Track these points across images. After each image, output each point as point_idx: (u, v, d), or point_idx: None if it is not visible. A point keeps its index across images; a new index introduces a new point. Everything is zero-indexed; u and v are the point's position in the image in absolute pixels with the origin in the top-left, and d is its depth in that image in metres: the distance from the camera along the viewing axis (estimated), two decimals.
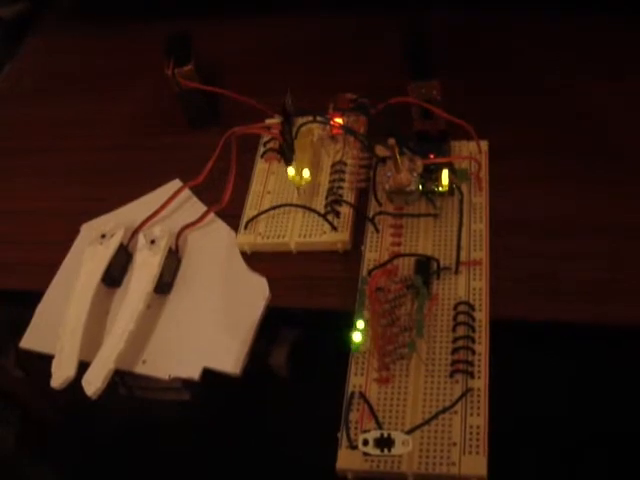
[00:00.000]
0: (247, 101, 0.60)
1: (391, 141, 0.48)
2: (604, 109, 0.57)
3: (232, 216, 0.56)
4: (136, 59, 0.72)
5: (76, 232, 0.59)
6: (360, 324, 0.47)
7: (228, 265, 0.54)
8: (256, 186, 0.57)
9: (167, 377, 0.49)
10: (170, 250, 0.53)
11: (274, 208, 0.54)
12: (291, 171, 0.53)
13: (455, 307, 0.47)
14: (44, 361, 0.50)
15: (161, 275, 0.52)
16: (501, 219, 0.51)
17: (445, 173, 0.51)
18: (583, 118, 0.56)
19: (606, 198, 0.52)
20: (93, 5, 0.80)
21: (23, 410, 0.53)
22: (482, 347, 0.45)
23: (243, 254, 0.54)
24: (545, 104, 0.58)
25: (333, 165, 0.56)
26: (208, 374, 0.49)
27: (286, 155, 0.56)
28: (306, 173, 0.53)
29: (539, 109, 0.58)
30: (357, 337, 0.46)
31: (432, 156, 0.52)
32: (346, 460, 0.43)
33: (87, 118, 0.69)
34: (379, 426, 0.43)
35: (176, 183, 0.59)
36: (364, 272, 0.50)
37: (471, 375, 0.44)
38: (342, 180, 0.55)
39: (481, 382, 0.44)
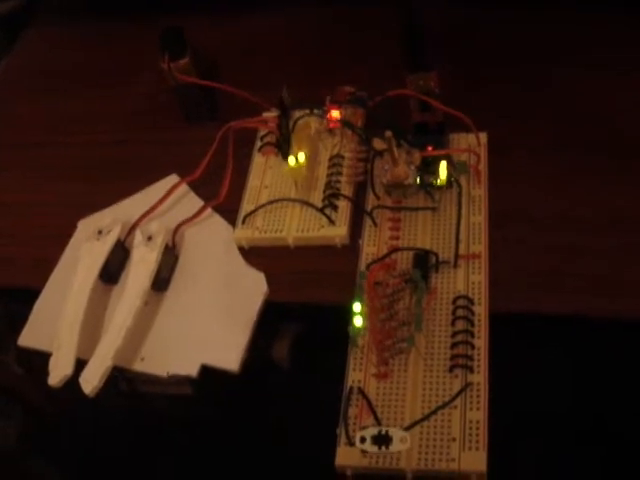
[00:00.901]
0: (244, 95, 0.59)
1: (388, 134, 0.47)
2: (606, 102, 0.56)
3: (229, 211, 0.55)
4: (132, 54, 0.72)
5: (73, 228, 0.58)
6: (357, 307, 0.46)
7: (226, 260, 0.54)
8: (253, 180, 0.56)
9: (165, 374, 0.49)
10: (167, 246, 0.53)
11: (271, 202, 0.54)
12: (292, 160, 0.53)
13: (454, 301, 0.47)
14: (43, 358, 0.50)
15: (158, 271, 0.52)
16: (500, 212, 0.51)
17: (443, 166, 0.50)
18: (584, 111, 0.56)
19: (606, 191, 0.51)
20: (87, 1, 0.79)
21: (24, 406, 0.53)
22: (481, 341, 0.45)
23: (241, 249, 0.54)
24: (546, 96, 0.58)
25: (331, 159, 0.55)
26: (209, 369, 0.49)
27: (283, 149, 0.55)
28: (301, 157, 0.53)
29: (539, 101, 0.58)
30: (358, 322, 0.46)
31: (430, 148, 0.52)
32: (345, 456, 0.42)
33: (83, 113, 0.68)
34: (378, 422, 0.43)
35: (173, 178, 0.59)
36: (362, 266, 0.50)
37: (470, 370, 0.44)
38: (340, 174, 0.54)
39: (480, 376, 0.44)
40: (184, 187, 0.58)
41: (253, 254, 0.54)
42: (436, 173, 0.51)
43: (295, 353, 0.50)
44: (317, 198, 0.54)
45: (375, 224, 0.52)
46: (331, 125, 0.56)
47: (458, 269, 0.48)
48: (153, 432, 0.49)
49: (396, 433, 0.40)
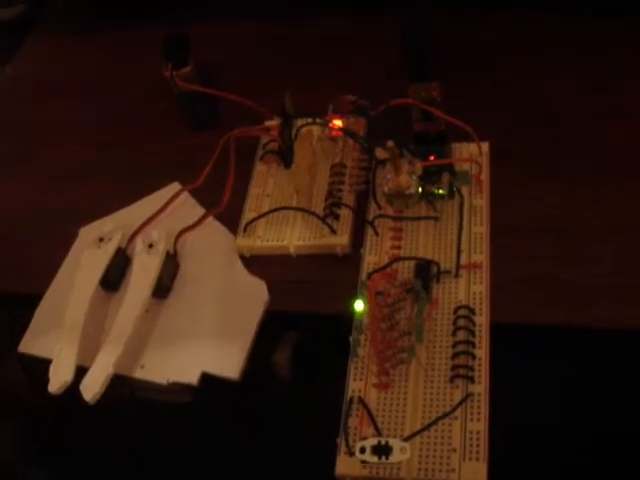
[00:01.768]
0: (246, 103, 0.59)
1: (390, 144, 0.47)
2: (609, 113, 0.56)
3: (231, 219, 0.55)
4: (135, 61, 0.72)
5: (75, 235, 0.58)
6: (359, 305, 0.47)
7: (227, 269, 0.54)
8: (255, 189, 0.56)
9: (166, 382, 0.49)
10: (168, 254, 0.53)
11: (273, 211, 0.54)
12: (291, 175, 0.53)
13: (455, 311, 0.47)
14: (44, 365, 0.50)
15: (159, 279, 0.52)
16: (502, 222, 0.51)
17: (445, 176, 0.50)
18: (587, 121, 0.56)
19: (609, 201, 0.51)
20: (92, 7, 0.80)
21: (24, 413, 0.53)
22: (482, 352, 0.45)
23: (242, 257, 0.54)
24: (548, 106, 0.58)
25: (332, 167, 0.55)
26: (209, 377, 0.49)
27: (285, 157, 0.55)
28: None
29: (542, 111, 0.58)
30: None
31: (432, 158, 0.52)
32: (345, 466, 0.42)
33: (85, 120, 0.68)
34: (378, 432, 0.43)
35: (175, 186, 0.59)
36: (363, 276, 0.50)
37: (471, 380, 0.44)
38: (342, 183, 0.54)
39: (481, 387, 0.44)
40: (186, 195, 0.58)
41: (254, 262, 0.53)
42: (438, 183, 0.51)
43: (296, 362, 0.50)
44: (319, 207, 0.54)
45: (377, 233, 0.52)
46: (333, 134, 0.56)
47: (459, 279, 0.48)
48: (153, 439, 0.49)
49: (396, 443, 0.40)
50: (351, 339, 0.46)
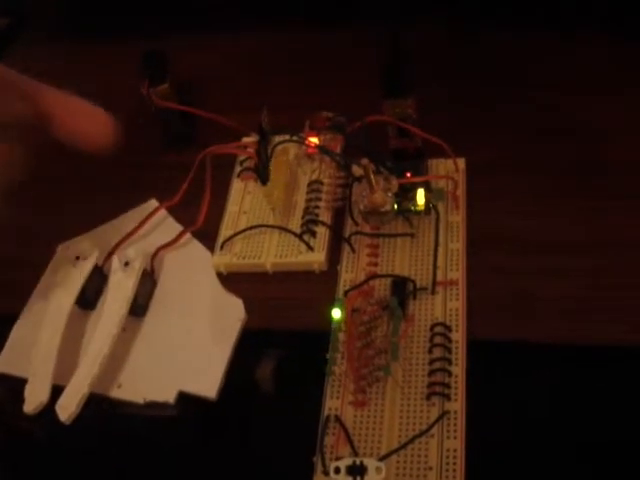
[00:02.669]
0: (223, 120, 0.59)
1: (364, 161, 0.47)
2: (586, 125, 0.56)
3: (208, 236, 0.55)
4: (114, 76, 0.71)
5: (52, 252, 0.58)
6: (336, 313, 0.47)
7: (204, 286, 0.53)
8: (232, 206, 0.56)
9: (142, 401, 0.49)
10: (145, 272, 0.53)
11: (250, 229, 0.54)
12: (266, 192, 0.53)
13: (432, 328, 0.47)
14: (23, 384, 0.49)
15: (136, 297, 0.52)
16: (478, 238, 0.51)
17: (421, 192, 0.51)
18: (562, 134, 0.56)
19: (585, 215, 0.51)
20: (72, 23, 0.79)
21: (7, 428, 0.52)
22: (459, 368, 0.45)
23: (219, 275, 0.54)
24: (524, 120, 0.58)
25: (310, 184, 0.55)
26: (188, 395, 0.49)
27: (261, 174, 0.55)
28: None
29: (518, 125, 0.58)
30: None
31: (409, 174, 0.52)
32: None
33: None
34: (354, 451, 0.43)
35: (152, 203, 0.59)
36: (340, 293, 0.50)
37: (448, 397, 0.44)
38: (318, 199, 0.54)
39: (458, 404, 0.44)
40: (163, 212, 0.58)
41: (231, 280, 0.53)
42: (414, 199, 0.51)
43: (278, 378, 0.50)
44: (296, 224, 0.54)
45: (353, 250, 0.52)
46: (309, 151, 0.56)
47: (436, 296, 0.48)
48: (137, 454, 0.49)
49: (371, 463, 0.40)
50: (328, 357, 0.46)
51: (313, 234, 0.53)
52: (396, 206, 0.50)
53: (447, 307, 0.48)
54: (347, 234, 0.52)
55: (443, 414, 0.43)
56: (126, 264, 0.53)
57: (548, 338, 0.47)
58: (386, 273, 0.50)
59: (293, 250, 0.52)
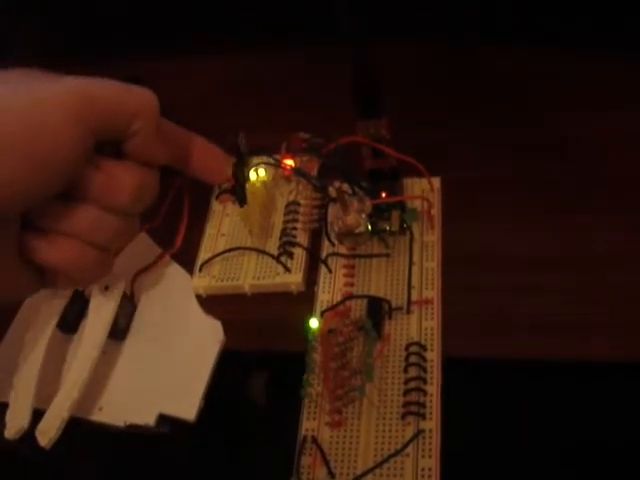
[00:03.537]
0: None
1: (336, 185, 0.48)
2: (562, 142, 0.57)
3: (188, 259, 0.56)
4: None
5: None
6: (314, 322, 0.48)
7: (183, 309, 0.54)
8: (211, 228, 0.57)
9: (123, 424, 0.49)
10: (125, 295, 0.53)
11: (228, 251, 0.54)
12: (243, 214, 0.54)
13: (407, 348, 0.47)
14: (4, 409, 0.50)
15: (116, 320, 0.52)
16: (453, 256, 0.52)
17: (395, 214, 0.51)
18: (537, 152, 0.57)
19: (560, 232, 0.52)
20: (58, 45, 0.80)
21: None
22: (434, 387, 0.45)
23: (198, 297, 0.54)
24: (498, 138, 0.58)
25: (287, 206, 0.56)
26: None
27: (239, 197, 0.56)
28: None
29: (492, 143, 0.58)
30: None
31: (384, 194, 0.52)
32: None
33: None
34: (330, 472, 0.43)
35: None
36: (317, 314, 0.50)
37: (422, 416, 0.44)
38: (296, 221, 0.55)
39: (432, 423, 0.44)
40: (143, 235, 0.58)
41: (210, 302, 0.54)
42: (389, 220, 0.52)
43: (271, 391, 0.51)
44: (273, 245, 0.54)
45: (330, 271, 0.52)
46: (286, 173, 0.56)
47: (411, 315, 0.49)
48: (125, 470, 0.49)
49: None
50: (303, 378, 0.47)
51: (290, 255, 0.53)
52: (370, 227, 0.51)
53: (422, 326, 0.48)
54: (324, 255, 0.53)
55: (418, 433, 0.44)
56: (106, 288, 0.53)
57: (523, 355, 0.47)
58: (362, 293, 0.50)
59: (271, 272, 0.53)
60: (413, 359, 0.47)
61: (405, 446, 0.43)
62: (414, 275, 0.50)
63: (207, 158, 0.50)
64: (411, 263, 0.51)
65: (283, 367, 0.51)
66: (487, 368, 0.47)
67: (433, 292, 0.50)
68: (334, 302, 0.50)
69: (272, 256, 0.53)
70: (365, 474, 0.43)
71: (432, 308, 0.49)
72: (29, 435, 0.48)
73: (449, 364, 0.47)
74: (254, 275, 0.53)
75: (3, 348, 0.55)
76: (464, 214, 0.54)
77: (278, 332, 0.51)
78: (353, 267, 0.52)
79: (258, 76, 0.69)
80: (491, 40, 0.64)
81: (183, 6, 0.74)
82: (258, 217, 0.54)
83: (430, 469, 0.43)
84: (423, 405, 0.45)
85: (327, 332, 0.47)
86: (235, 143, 0.57)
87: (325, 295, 0.51)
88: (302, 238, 0.54)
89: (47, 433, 0.48)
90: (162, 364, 0.52)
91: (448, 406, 0.45)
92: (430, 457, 0.43)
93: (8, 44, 0.82)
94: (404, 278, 0.51)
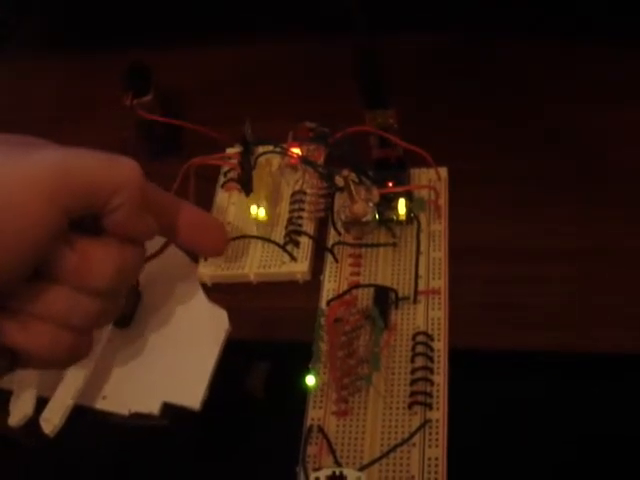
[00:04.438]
0: (207, 132, 0.59)
1: (344, 173, 0.48)
2: (569, 134, 0.57)
3: None
4: (97, 89, 0.72)
5: None
6: (310, 380, 0.47)
7: (188, 297, 0.53)
8: (216, 216, 0.56)
9: (127, 412, 0.49)
10: None
11: (234, 239, 0.54)
12: (253, 210, 0.53)
13: (414, 337, 0.47)
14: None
15: None
16: (460, 246, 0.51)
17: (402, 202, 0.51)
18: (545, 143, 0.57)
19: (567, 223, 0.52)
20: (56, 37, 0.80)
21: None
22: (441, 378, 0.45)
23: (203, 286, 0.54)
24: (507, 129, 0.58)
25: (293, 195, 0.56)
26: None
27: (245, 185, 0.55)
28: (262, 213, 0.53)
29: (500, 134, 0.58)
30: (310, 381, 0.46)
31: (391, 184, 0.52)
32: None
33: None
34: (336, 461, 0.43)
35: None
36: (323, 303, 0.50)
37: (429, 406, 0.44)
38: (302, 210, 0.55)
39: (439, 413, 0.44)
40: None
41: (216, 290, 0.54)
42: (396, 209, 0.51)
43: (268, 386, 0.50)
44: (279, 234, 0.54)
45: (336, 260, 0.52)
46: (292, 162, 0.56)
47: (418, 305, 0.49)
48: (128, 462, 0.49)
49: (351, 474, 0.40)
50: (310, 367, 0.47)
51: (296, 244, 0.53)
52: (378, 216, 0.51)
53: (429, 316, 0.48)
54: (330, 244, 0.53)
55: (425, 423, 0.44)
56: None
57: (530, 346, 0.47)
58: (368, 283, 0.50)
59: (276, 260, 0.53)
60: (420, 349, 0.46)
61: (412, 436, 0.43)
62: (421, 265, 0.50)
63: (199, 230, 0.47)
64: (418, 252, 0.50)
65: (287, 357, 0.50)
66: (495, 359, 0.47)
67: (440, 282, 0.49)
68: (340, 291, 0.50)
69: (278, 245, 0.53)
70: (372, 464, 0.42)
71: (439, 298, 0.49)
72: (33, 423, 0.48)
73: (456, 355, 0.46)
74: (260, 264, 0.53)
75: None
76: (471, 204, 0.54)
77: (283, 321, 0.51)
78: (359, 256, 0.52)
79: (268, 66, 0.69)
80: (499, 31, 0.64)
81: None
82: (264, 206, 0.54)
83: (437, 459, 0.42)
84: (430, 395, 0.45)
85: (333, 321, 0.47)
86: (241, 132, 0.57)
87: (331, 284, 0.51)
88: (308, 227, 0.54)
89: (51, 421, 0.47)
90: (167, 353, 0.51)
91: (455, 396, 0.45)
92: (437, 447, 0.43)
93: (6, 36, 0.82)
94: (411, 267, 0.50)
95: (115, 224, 0.38)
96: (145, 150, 0.63)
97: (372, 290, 0.49)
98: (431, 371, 0.45)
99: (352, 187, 0.49)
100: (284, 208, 0.55)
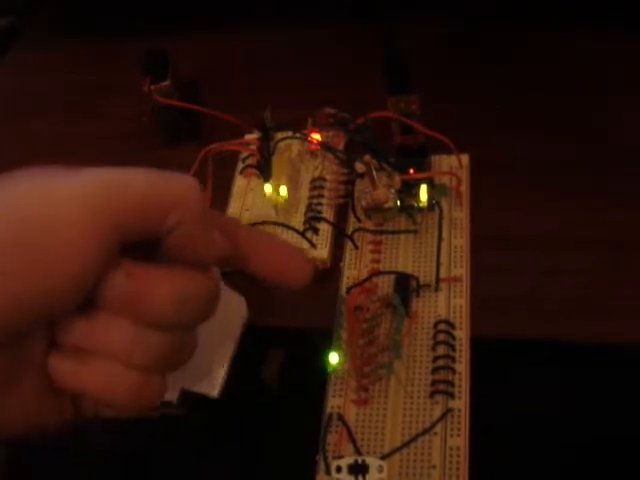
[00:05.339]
0: (225, 117, 0.59)
1: (366, 158, 0.47)
2: (588, 123, 0.56)
3: None
4: (116, 75, 0.71)
5: None
6: (334, 358, 0.46)
7: None
8: (235, 203, 0.56)
9: None
10: None
11: (252, 225, 0.53)
12: (268, 189, 0.52)
13: (435, 325, 0.46)
14: None
15: None
16: (482, 234, 0.51)
17: (423, 189, 0.50)
18: (565, 133, 0.56)
19: (590, 213, 0.51)
20: (73, 22, 0.79)
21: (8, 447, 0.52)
22: (462, 366, 0.45)
23: (222, 273, 0.53)
24: (527, 117, 0.58)
25: (312, 181, 0.55)
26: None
27: (264, 171, 0.55)
28: (283, 190, 0.52)
29: (522, 122, 0.57)
30: (334, 359, 0.46)
31: (412, 171, 0.51)
32: None
33: (64, 134, 0.68)
34: (357, 450, 0.42)
35: None
36: (343, 290, 0.49)
37: (451, 395, 0.44)
38: (321, 196, 0.54)
39: (461, 402, 0.43)
40: None
41: (234, 277, 0.53)
42: (417, 196, 0.51)
43: (284, 375, 0.50)
44: (299, 221, 0.53)
45: (356, 247, 0.51)
46: (312, 147, 0.56)
47: (439, 293, 0.48)
48: (140, 456, 0.49)
49: (373, 462, 0.40)
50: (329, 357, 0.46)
51: (316, 231, 0.52)
52: (399, 202, 0.50)
53: (451, 304, 0.47)
54: (350, 231, 0.52)
55: (447, 412, 0.43)
56: None
57: (553, 336, 0.46)
58: (389, 270, 0.49)
59: None
60: (441, 337, 0.46)
61: (434, 425, 0.43)
62: (443, 252, 0.49)
63: (279, 258, 0.41)
64: (440, 240, 0.50)
65: (304, 344, 0.50)
66: (517, 348, 0.46)
67: (462, 270, 0.49)
68: (360, 278, 0.49)
69: (297, 231, 0.52)
70: (392, 453, 0.42)
71: (461, 286, 0.48)
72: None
73: (478, 343, 0.46)
74: None
75: None
76: (493, 192, 0.53)
77: (303, 309, 0.50)
78: (380, 243, 0.51)
79: (287, 51, 0.68)
80: (524, 18, 0.63)
81: None
82: (284, 197, 0.53)
83: (459, 448, 0.42)
84: (452, 384, 0.44)
85: (354, 309, 0.47)
86: (260, 118, 0.57)
87: (351, 271, 0.50)
88: (328, 213, 0.53)
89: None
90: None
91: (477, 386, 0.44)
92: (459, 436, 0.42)
93: (23, 22, 0.82)
94: (432, 255, 0.50)
95: (175, 246, 0.34)
96: (162, 136, 0.62)
97: (392, 278, 0.49)
98: (453, 359, 0.45)
99: (374, 173, 0.48)
100: (303, 194, 0.55)
